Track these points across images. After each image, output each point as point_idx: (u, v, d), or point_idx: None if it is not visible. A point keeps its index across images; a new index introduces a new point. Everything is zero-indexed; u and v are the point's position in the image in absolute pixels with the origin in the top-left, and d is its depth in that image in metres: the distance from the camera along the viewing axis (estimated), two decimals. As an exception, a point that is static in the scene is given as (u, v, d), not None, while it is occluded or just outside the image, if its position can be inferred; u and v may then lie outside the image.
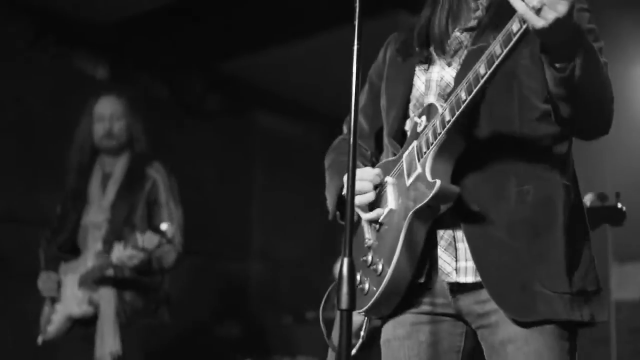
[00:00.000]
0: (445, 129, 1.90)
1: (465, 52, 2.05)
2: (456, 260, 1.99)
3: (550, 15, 1.66)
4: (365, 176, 2.07)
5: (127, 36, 6.16)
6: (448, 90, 2.03)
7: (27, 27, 5.78)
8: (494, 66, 1.77)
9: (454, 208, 1.95)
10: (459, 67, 2.03)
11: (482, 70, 1.80)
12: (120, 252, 3.83)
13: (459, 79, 1.96)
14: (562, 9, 1.66)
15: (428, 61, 2.13)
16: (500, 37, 1.77)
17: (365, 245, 2.10)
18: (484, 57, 1.80)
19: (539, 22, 1.67)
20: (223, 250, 7.15)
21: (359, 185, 2.04)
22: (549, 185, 1.98)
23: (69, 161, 4.29)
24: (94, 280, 3.98)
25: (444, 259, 2.00)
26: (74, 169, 4.26)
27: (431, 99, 2.07)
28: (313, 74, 6.73)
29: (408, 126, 2.12)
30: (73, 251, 4.17)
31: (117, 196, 4.13)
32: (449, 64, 2.08)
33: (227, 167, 7.26)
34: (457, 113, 1.86)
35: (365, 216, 2.09)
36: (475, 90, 1.81)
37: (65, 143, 4.31)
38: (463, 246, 1.98)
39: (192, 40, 6.26)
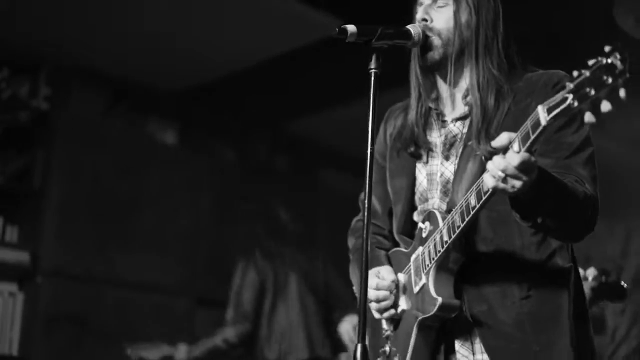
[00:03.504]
0: (444, 248, 2.04)
1: (461, 148, 2.16)
2: (473, 354, 2.09)
3: (517, 183, 1.80)
4: (382, 285, 2.20)
5: (195, 102, 6.40)
6: (449, 186, 2.16)
7: (102, 95, 6.06)
8: (482, 200, 1.90)
9: (466, 308, 2.07)
10: (456, 164, 2.15)
11: (472, 202, 1.93)
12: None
13: (456, 182, 2.11)
14: (517, 184, 1.79)
15: (426, 153, 2.26)
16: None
17: (383, 336, 2.23)
18: (474, 187, 1.93)
19: (508, 189, 1.81)
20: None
21: (376, 294, 2.19)
22: (552, 275, 2.07)
23: None
24: None
25: (462, 353, 2.11)
26: None
27: (435, 195, 2.21)
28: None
29: (416, 217, 2.27)
30: None
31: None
32: (447, 158, 2.21)
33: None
34: (453, 236, 2.01)
35: (380, 317, 2.24)
36: (467, 219, 1.95)
37: (136, 206, 4.50)
38: (478, 340, 2.08)
39: (258, 104, 6.45)
